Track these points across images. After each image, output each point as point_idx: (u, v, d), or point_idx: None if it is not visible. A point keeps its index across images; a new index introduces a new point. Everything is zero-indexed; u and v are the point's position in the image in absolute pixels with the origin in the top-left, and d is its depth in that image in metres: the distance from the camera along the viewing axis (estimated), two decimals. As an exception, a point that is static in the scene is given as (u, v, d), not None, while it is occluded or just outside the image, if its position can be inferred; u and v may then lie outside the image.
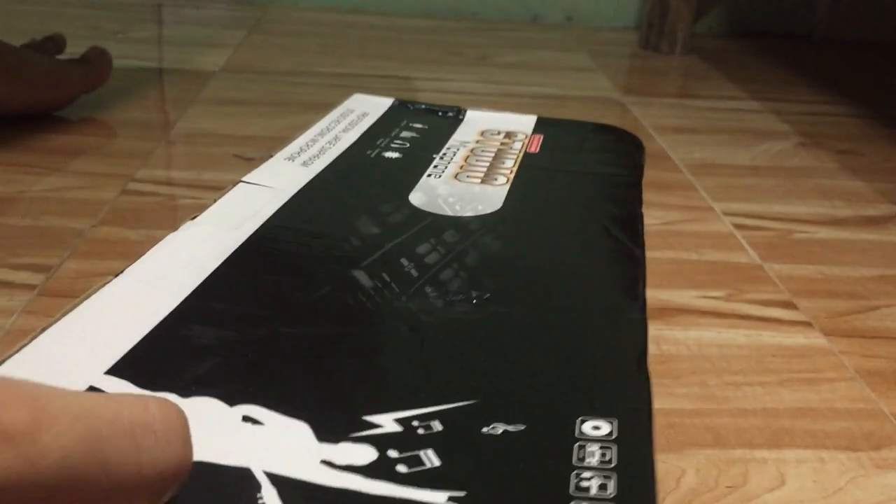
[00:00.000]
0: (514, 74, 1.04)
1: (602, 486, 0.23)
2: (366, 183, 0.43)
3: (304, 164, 0.44)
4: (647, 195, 0.68)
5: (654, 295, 0.51)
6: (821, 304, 0.52)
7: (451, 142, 0.49)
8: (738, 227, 0.63)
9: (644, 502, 0.23)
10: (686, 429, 0.40)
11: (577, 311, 0.33)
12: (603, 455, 0.25)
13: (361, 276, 0.33)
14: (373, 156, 0.47)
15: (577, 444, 0.25)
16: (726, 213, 0.65)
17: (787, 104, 0.99)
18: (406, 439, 0.24)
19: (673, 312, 0.50)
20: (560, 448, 0.25)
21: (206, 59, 0.99)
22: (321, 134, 0.50)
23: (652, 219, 0.63)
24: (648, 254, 0.57)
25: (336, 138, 0.49)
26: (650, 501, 0.23)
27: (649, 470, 0.24)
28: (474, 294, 0.33)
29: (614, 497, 0.23)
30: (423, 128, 0.51)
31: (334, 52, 1.08)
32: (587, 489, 0.23)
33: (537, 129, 0.53)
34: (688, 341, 0.47)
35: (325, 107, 0.83)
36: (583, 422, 0.26)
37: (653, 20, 1.23)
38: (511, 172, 0.45)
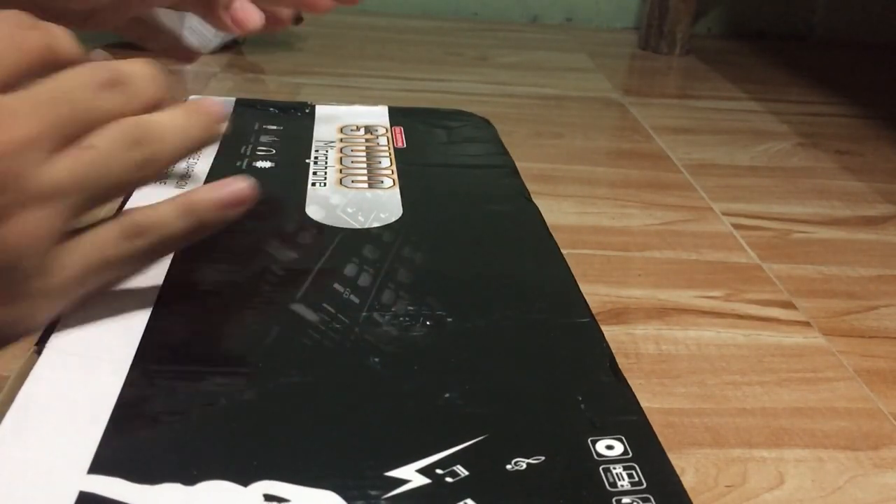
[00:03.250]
0: (514, 75, 1.05)
1: None
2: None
3: (179, 185, 0.41)
4: (647, 195, 0.68)
5: (654, 295, 0.51)
6: (819, 303, 0.52)
7: (315, 143, 0.48)
8: (737, 227, 0.63)
9: None
10: (685, 428, 0.40)
11: (530, 322, 0.33)
12: (630, 476, 0.25)
13: (303, 311, 0.31)
14: (244, 167, 0.44)
15: (601, 467, 0.25)
16: (725, 214, 0.65)
17: (785, 105, 0.99)
18: (440, 492, 0.24)
19: (672, 312, 0.50)
20: (587, 474, 0.25)
21: (206, 59, 0.99)
22: None
23: (651, 219, 0.63)
24: (648, 254, 0.58)
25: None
26: None
27: (681, 487, 0.25)
28: (423, 315, 0.32)
29: None
30: (279, 129, 0.49)
31: (335, 52, 1.08)
32: None
33: (393, 120, 0.52)
34: (687, 341, 0.47)
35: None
36: (594, 443, 0.26)
37: (652, 21, 1.23)
38: (393, 173, 0.45)
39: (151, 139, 0.28)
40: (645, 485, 0.25)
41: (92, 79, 0.27)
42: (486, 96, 0.94)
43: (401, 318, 0.31)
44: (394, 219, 0.39)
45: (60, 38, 0.27)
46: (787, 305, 0.52)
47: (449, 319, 0.32)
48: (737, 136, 0.86)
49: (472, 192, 0.45)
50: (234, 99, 0.53)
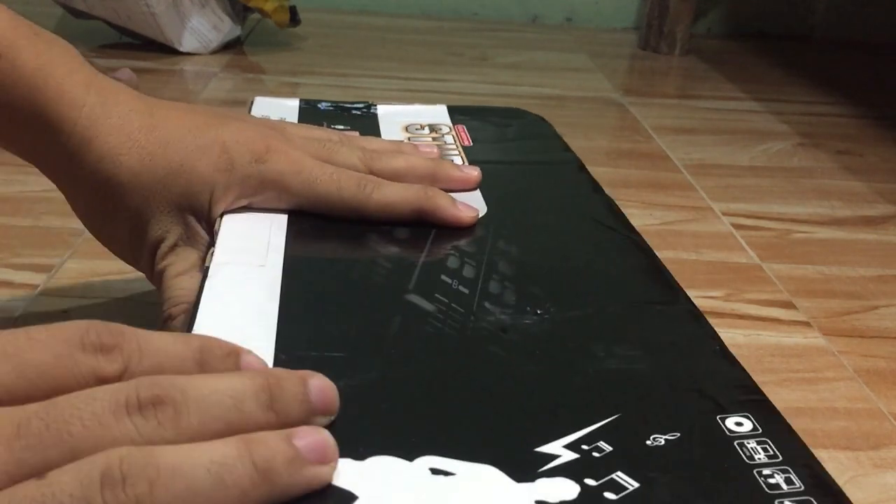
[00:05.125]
0: (514, 75, 1.05)
1: (788, 481, 0.25)
2: None
3: None
4: (647, 195, 0.68)
5: (654, 295, 0.51)
6: (819, 303, 0.52)
7: None
8: (737, 227, 0.63)
9: (839, 499, 0.24)
10: (685, 428, 0.40)
11: (632, 310, 0.34)
12: (765, 450, 0.26)
13: (420, 301, 0.33)
14: None
15: (735, 442, 0.26)
16: (725, 214, 0.65)
17: (785, 104, 0.99)
18: (591, 465, 0.25)
19: (672, 312, 0.50)
20: (723, 448, 0.26)
21: (206, 59, 0.99)
22: None
23: (651, 219, 0.63)
24: (648, 254, 0.58)
25: None
26: (843, 498, 0.24)
27: (815, 460, 0.26)
28: (529, 305, 0.33)
29: (804, 491, 0.24)
30: (346, 128, 0.50)
31: (335, 52, 1.08)
32: (777, 486, 0.25)
33: (454, 118, 0.53)
34: (687, 341, 0.47)
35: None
36: (723, 420, 0.27)
37: (652, 21, 1.23)
38: None
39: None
40: (780, 458, 0.26)
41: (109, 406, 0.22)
42: (486, 96, 0.94)
43: (510, 308, 0.33)
44: (480, 214, 0.40)
45: (110, 364, 0.24)
46: (787, 305, 0.52)
47: (553, 309, 0.33)
48: (737, 136, 0.86)
49: (548, 187, 0.46)
50: (298, 100, 0.53)
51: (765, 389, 0.43)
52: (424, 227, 0.39)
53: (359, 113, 0.53)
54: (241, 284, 0.32)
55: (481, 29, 1.31)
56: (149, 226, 0.37)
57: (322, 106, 0.53)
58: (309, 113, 0.51)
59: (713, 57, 1.22)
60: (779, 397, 0.43)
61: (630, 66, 1.18)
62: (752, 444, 0.26)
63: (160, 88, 0.86)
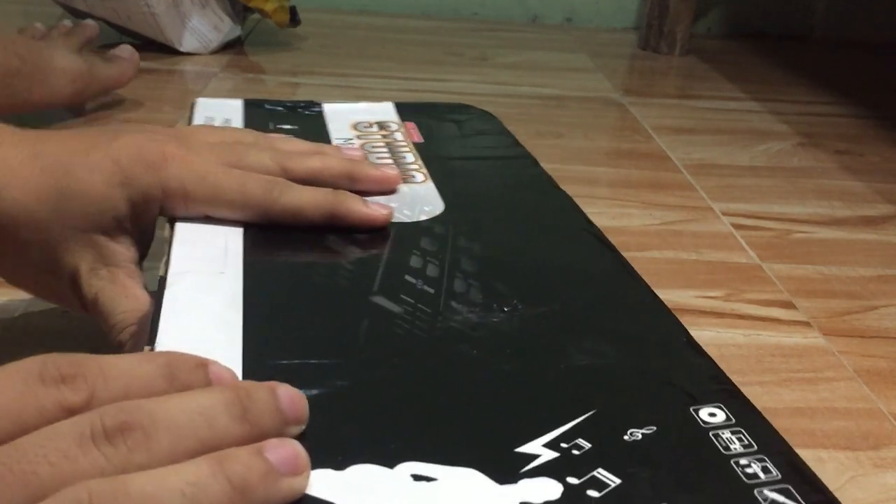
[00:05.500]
0: (514, 75, 1.05)
1: (765, 470, 0.25)
2: None
3: None
4: (647, 195, 0.68)
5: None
6: (819, 303, 0.52)
7: (334, 141, 0.48)
8: (737, 227, 0.63)
9: (815, 486, 0.25)
10: (685, 428, 0.40)
11: (597, 305, 0.34)
12: (740, 440, 0.26)
13: (386, 303, 0.32)
14: None
15: (710, 433, 0.26)
16: (725, 214, 0.65)
17: (785, 104, 0.99)
18: (571, 464, 0.25)
19: (672, 312, 0.50)
20: (699, 440, 0.26)
21: (207, 59, 0.99)
22: None
23: (651, 219, 0.63)
24: (648, 253, 0.58)
25: None
26: (820, 485, 0.25)
27: (789, 447, 0.26)
28: (496, 302, 0.33)
29: (781, 479, 0.25)
30: (294, 129, 0.49)
31: (335, 52, 1.08)
32: (755, 475, 0.25)
33: (403, 115, 0.53)
34: (687, 341, 0.47)
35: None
36: (696, 411, 0.27)
37: (652, 21, 1.23)
38: (421, 168, 0.45)
39: None
40: (756, 447, 0.26)
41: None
42: (486, 96, 0.94)
43: (477, 306, 0.33)
44: (438, 212, 0.40)
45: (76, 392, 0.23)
46: (787, 305, 0.52)
47: (520, 306, 0.33)
48: (737, 136, 0.86)
49: (503, 184, 0.46)
50: (241, 100, 0.53)
51: (765, 389, 0.43)
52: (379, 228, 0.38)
53: (306, 112, 0.53)
54: (202, 293, 0.31)
55: (481, 29, 1.31)
56: (57, 256, 0.36)
57: (268, 106, 0.53)
58: (254, 114, 0.51)
59: (713, 57, 1.22)
60: (779, 397, 0.43)
61: (630, 66, 1.18)
62: (726, 434, 0.26)
63: (160, 88, 0.86)
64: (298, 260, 0.35)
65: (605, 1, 1.39)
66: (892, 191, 0.73)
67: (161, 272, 0.33)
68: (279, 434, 0.24)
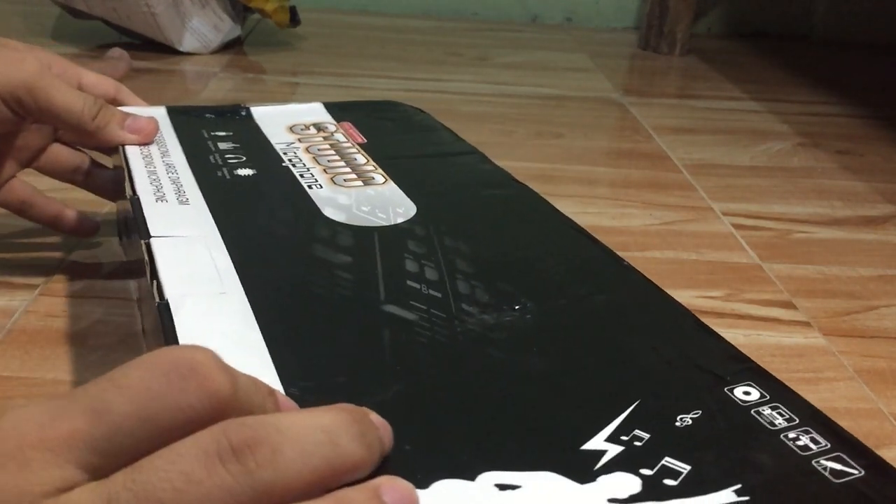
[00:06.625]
0: (514, 75, 1.05)
1: (814, 441, 0.26)
2: (266, 210, 0.40)
3: (180, 202, 0.39)
4: (647, 195, 0.68)
5: (654, 295, 0.51)
6: (820, 303, 0.52)
7: (276, 146, 0.47)
8: (738, 227, 0.63)
9: (862, 451, 0.25)
10: (685, 428, 0.40)
11: (600, 296, 0.34)
12: (780, 414, 0.27)
13: (398, 311, 0.31)
14: (229, 177, 0.43)
15: (752, 410, 0.27)
16: (725, 214, 0.65)
17: (785, 104, 0.99)
18: (638, 455, 0.25)
19: (672, 312, 0.50)
20: (745, 419, 0.27)
21: (207, 59, 0.99)
22: (146, 162, 0.44)
23: (651, 219, 0.63)
24: (648, 253, 0.58)
25: (170, 165, 0.43)
26: (866, 449, 0.25)
27: (831, 421, 0.27)
28: (505, 301, 0.33)
29: (831, 448, 0.25)
30: (230, 135, 0.48)
31: (335, 52, 1.08)
32: (807, 447, 0.25)
33: (335, 115, 0.53)
34: (687, 341, 0.47)
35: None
36: (731, 391, 0.28)
37: (652, 21, 1.23)
38: (376, 168, 0.45)
39: None
40: (798, 420, 0.27)
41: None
42: (486, 96, 0.94)
43: (488, 307, 0.32)
44: (412, 213, 0.40)
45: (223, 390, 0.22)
46: (788, 305, 0.52)
47: (529, 304, 0.33)
48: (737, 136, 0.86)
49: (464, 181, 0.45)
50: (164, 107, 0.51)
51: (765, 389, 0.43)
52: (364, 231, 0.38)
53: (235, 116, 0.52)
54: (212, 316, 0.30)
55: (481, 29, 1.31)
56: None
57: (195, 113, 0.51)
58: (183, 122, 0.49)
59: (713, 57, 1.22)
60: (779, 397, 0.43)
61: (630, 66, 1.18)
62: (766, 410, 0.27)
63: (160, 88, 0.86)
64: (294, 272, 0.35)
65: (605, 1, 1.39)
66: (893, 191, 0.73)
67: (154, 296, 0.32)
68: (381, 458, 0.23)
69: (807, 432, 0.26)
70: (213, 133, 0.48)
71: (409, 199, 0.41)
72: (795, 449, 0.25)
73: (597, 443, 0.25)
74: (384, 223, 0.39)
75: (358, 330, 0.31)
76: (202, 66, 0.97)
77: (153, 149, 0.45)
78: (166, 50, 0.97)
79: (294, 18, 1.04)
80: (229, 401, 0.22)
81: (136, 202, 0.39)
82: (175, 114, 0.50)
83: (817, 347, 0.48)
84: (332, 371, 0.28)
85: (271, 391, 0.24)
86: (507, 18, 1.38)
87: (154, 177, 0.42)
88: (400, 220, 0.39)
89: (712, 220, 0.64)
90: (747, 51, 1.30)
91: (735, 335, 0.48)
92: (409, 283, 0.34)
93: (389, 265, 0.35)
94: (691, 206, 0.67)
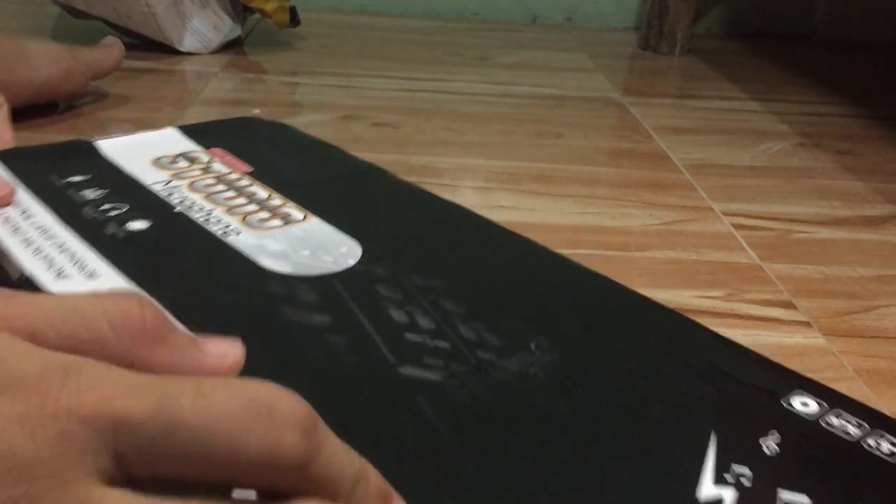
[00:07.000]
0: (514, 75, 1.05)
1: (893, 444, 0.26)
2: (196, 272, 0.34)
3: (87, 276, 0.32)
4: (647, 195, 0.68)
5: (654, 295, 0.51)
6: (820, 303, 0.52)
7: (150, 186, 0.40)
8: (738, 227, 0.63)
9: None
10: (686, 428, 0.40)
11: (603, 318, 0.33)
12: (849, 422, 0.26)
13: (418, 372, 0.28)
14: (122, 235, 0.36)
15: (822, 423, 0.26)
16: (725, 214, 0.65)
17: (786, 104, 0.99)
18: (753, 494, 0.24)
19: (672, 312, 0.50)
20: (822, 434, 0.26)
21: (207, 59, 0.99)
22: (13, 230, 0.35)
23: (652, 219, 0.63)
24: (648, 253, 0.58)
25: (42, 229, 0.36)
26: None
27: (887, 416, 0.26)
28: (515, 340, 0.31)
29: None
30: (88, 178, 0.40)
31: (335, 52, 1.08)
32: (893, 453, 0.25)
33: (198, 140, 0.46)
34: (687, 341, 0.47)
35: (329, 107, 0.84)
36: (789, 404, 0.27)
37: (652, 21, 1.23)
38: (285, 203, 0.40)
39: None
40: (868, 426, 0.26)
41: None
42: (486, 96, 0.94)
43: (504, 352, 0.30)
44: (358, 251, 0.36)
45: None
46: (788, 305, 0.52)
47: (543, 341, 0.31)
48: (737, 136, 0.86)
49: (387, 203, 0.42)
50: None
51: (765, 389, 0.43)
52: (322, 281, 0.33)
53: (79, 154, 0.44)
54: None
55: (481, 29, 1.31)
56: None
57: (28, 155, 0.43)
58: (20, 168, 0.41)
59: (713, 57, 1.22)
60: (779, 397, 0.43)
61: (630, 66, 1.18)
62: (833, 419, 0.26)
63: (160, 88, 0.86)
64: (278, 346, 0.30)
65: (605, 1, 1.39)
66: (893, 191, 0.73)
67: None
68: None
69: (881, 436, 0.26)
70: (67, 179, 0.41)
71: (345, 236, 0.37)
72: (883, 456, 0.25)
73: (708, 489, 0.24)
74: (337, 268, 0.35)
75: (389, 405, 0.27)
76: (202, 66, 0.97)
77: (11, 211, 0.37)
78: (166, 50, 0.97)
79: (294, 18, 1.04)
80: (300, 465, 0.19)
81: (30, 284, 0.31)
82: (7, 160, 0.42)
83: (817, 347, 0.48)
84: (386, 456, 0.24)
85: (367, 476, 0.21)
86: (508, 18, 1.38)
87: (34, 247, 0.34)
88: (352, 262, 0.35)
89: (712, 220, 0.64)
90: (747, 51, 1.30)
91: (735, 335, 0.48)
92: (408, 336, 0.30)
93: (373, 319, 0.31)
94: (691, 206, 0.67)
